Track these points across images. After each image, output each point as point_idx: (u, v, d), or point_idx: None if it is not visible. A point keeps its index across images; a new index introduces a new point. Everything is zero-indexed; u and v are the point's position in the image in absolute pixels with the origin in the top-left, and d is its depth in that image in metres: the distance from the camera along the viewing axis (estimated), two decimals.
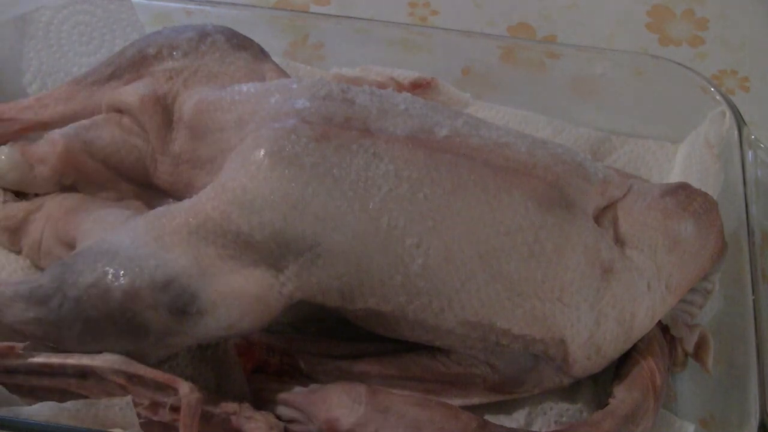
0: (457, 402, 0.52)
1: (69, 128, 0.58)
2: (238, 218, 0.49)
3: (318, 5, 0.84)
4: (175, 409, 0.47)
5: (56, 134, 0.57)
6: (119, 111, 0.58)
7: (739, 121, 0.62)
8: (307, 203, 0.49)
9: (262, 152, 0.50)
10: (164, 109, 0.57)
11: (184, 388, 0.47)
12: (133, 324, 0.48)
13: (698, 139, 0.65)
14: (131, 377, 0.48)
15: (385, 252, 0.49)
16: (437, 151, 0.52)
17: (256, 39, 0.63)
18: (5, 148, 0.57)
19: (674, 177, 0.66)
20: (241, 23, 0.64)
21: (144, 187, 0.59)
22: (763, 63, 0.80)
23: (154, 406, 0.48)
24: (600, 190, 0.54)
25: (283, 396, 0.50)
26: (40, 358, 0.48)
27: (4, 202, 0.57)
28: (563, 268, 0.50)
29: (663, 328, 0.55)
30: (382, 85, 0.66)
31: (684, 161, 0.66)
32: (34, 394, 0.49)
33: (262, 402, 0.50)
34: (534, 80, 0.70)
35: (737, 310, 0.55)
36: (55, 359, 0.48)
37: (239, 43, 0.61)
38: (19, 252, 0.57)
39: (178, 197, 0.56)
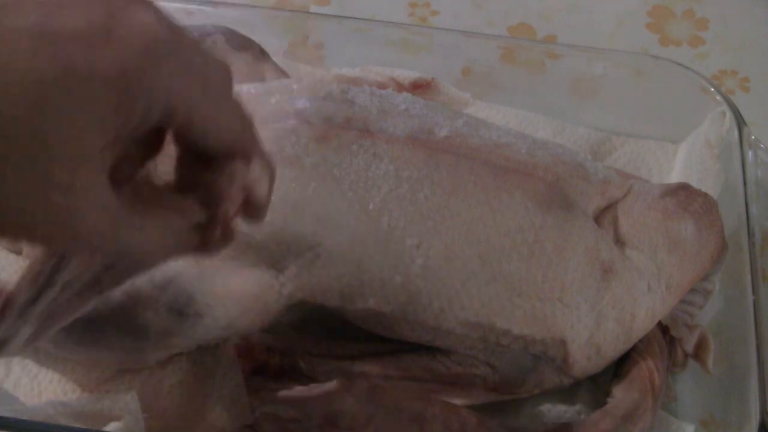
0: (457, 402, 0.52)
1: None
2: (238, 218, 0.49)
3: (318, 5, 0.84)
4: None
5: None
6: None
7: (739, 121, 0.62)
8: (307, 203, 0.49)
9: None
10: None
11: None
12: (133, 325, 0.48)
13: (698, 139, 0.64)
14: None
15: (385, 252, 0.49)
16: (437, 151, 0.52)
17: (256, 39, 0.63)
18: None
19: (674, 177, 0.66)
20: (241, 23, 0.64)
21: None
22: (763, 63, 0.80)
23: None
24: (600, 191, 0.54)
25: (282, 395, 0.50)
26: None
27: None
28: (563, 269, 0.50)
29: (663, 328, 0.55)
30: (382, 85, 0.66)
31: (684, 161, 0.66)
32: None
33: (261, 402, 0.50)
34: (534, 80, 0.70)
35: (737, 310, 0.55)
36: None
37: (239, 43, 0.61)
38: (19, 253, 0.57)
39: None
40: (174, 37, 0.34)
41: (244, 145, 0.39)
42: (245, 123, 0.39)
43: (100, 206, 0.33)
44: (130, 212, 0.35)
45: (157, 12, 0.35)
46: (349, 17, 0.74)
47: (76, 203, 0.32)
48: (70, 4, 0.32)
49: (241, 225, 0.41)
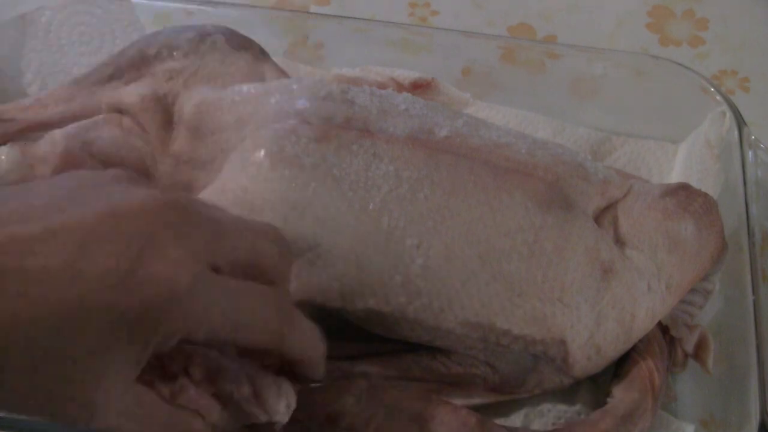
0: (457, 402, 0.52)
1: (70, 128, 0.58)
2: None
3: (318, 5, 0.84)
4: None
5: (57, 134, 0.57)
6: (120, 111, 0.58)
7: (739, 121, 0.62)
8: (307, 204, 0.49)
9: (263, 153, 0.50)
10: (165, 110, 0.58)
11: None
12: None
13: (698, 139, 0.65)
14: None
15: (385, 252, 0.49)
16: (437, 151, 0.52)
17: (256, 39, 0.63)
18: (5, 148, 0.57)
19: (674, 177, 0.66)
20: (241, 23, 0.64)
21: None
22: (763, 63, 0.80)
23: None
24: (600, 191, 0.54)
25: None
26: None
27: None
28: (563, 269, 0.50)
29: (663, 328, 0.55)
30: (382, 85, 0.66)
31: (684, 161, 0.66)
32: None
33: None
34: (534, 80, 0.70)
35: (737, 310, 0.55)
36: None
37: (239, 43, 0.61)
38: None
39: None
40: (196, 276, 0.35)
41: (274, 354, 0.40)
42: (280, 323, 0.40)
43: (118, 413, 0.35)
44: (144, 414, 0.36)
45: (189, 239, 0.36)
46: (349, 17, 0.74)
47: (97, 411, 0.34)
48: (98, 244, 0.33)
49: None
